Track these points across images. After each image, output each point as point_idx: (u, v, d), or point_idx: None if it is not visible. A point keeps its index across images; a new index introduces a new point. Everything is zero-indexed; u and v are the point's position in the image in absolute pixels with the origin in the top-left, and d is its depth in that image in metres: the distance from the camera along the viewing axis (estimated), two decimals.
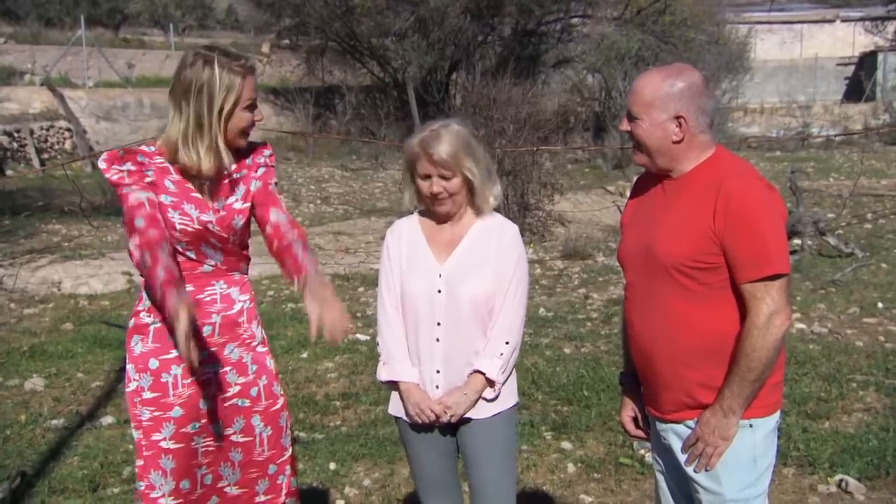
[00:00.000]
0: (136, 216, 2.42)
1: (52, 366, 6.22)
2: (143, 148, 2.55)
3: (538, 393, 5.56)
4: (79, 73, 23.45)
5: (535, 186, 11.93)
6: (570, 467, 4.49)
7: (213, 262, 2.58)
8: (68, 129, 19.56)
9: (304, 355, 6.49)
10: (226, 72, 2.45)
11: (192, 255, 2.55)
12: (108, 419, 5.21)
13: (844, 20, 33.77)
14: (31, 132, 18.54)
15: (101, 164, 2.49)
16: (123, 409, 5.38)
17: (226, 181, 2.61)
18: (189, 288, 2.51)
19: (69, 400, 5.58)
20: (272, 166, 2.75)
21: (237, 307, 2.62)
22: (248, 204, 2.63)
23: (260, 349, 2.72)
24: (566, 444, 4.73)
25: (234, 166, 2.63)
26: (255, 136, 2.70)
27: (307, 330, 7.00)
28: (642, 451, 4.54)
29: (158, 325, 2.55)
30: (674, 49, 21.16)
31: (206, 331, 2.56)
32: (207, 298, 2.57)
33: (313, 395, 5.69)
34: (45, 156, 18.81)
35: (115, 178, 2.47)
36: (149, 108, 21.84)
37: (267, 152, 2.74)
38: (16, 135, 18.08)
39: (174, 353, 2.52)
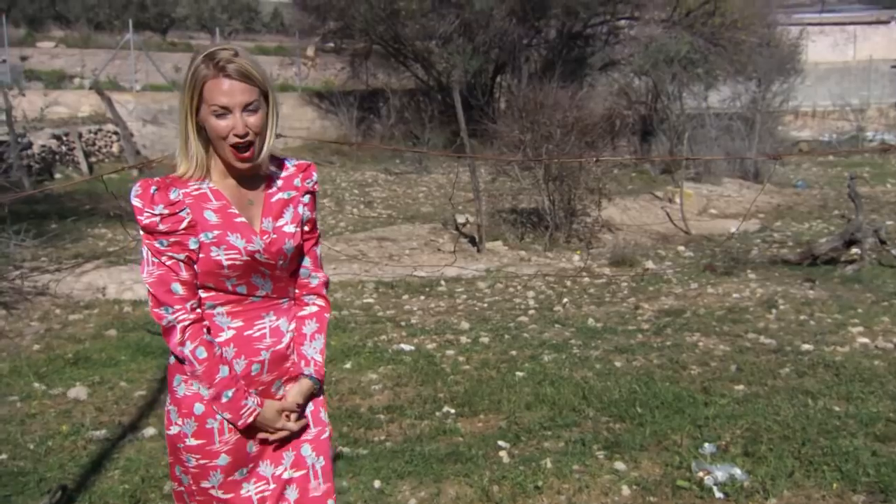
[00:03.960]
0: (169, 304, 2.27)
1: (96, 374, 6.16)
2: (178, 175, 2.32)
3: (589, 409, 5.37)
4: (127, 76, 23.73)
5: (583, 192, 11.73)
6: (625, 490, 4.28)
7: (262, 293, 2.37)
8: (115, 133, 19.76)
9: (348, 365, 6.36)
10: (200, 67, 2.22)
11: (244, 290, 2.34)
12: (150, 430, 5.12)
13: None
14: (80, 136, 18.75)
15: (135, 202, 2.25)
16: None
17: (273, 200, 2.39)
18: (237, 323, 2.34)
19: (112, 410, 5.50)
20: (315, 193, 2.52)
21: (286, 339, 2.42)
22: (299, 229, 2.41)
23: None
24: (620, 465, 4.53)
25: (278, 183, 2.41)
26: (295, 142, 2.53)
27: (350, 339, 6.89)
28: (700, 474, 4.33)
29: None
30: (724, 51, 20.78)
31: (254, 370, 2.37)
32: (256, 334, 2.37)
33: (357, 407, 5.56)
34: (93, 159, 19.04)
35: (146, 222, 2.25)
36: None
37: (315, 176, 2.51)
38: (64, 138, 18.29)
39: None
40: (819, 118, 27.02)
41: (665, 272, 9.66)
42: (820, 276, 9.01)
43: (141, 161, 17.16)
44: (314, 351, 2.46)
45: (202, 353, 2.26)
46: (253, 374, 2.36)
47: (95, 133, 19.55)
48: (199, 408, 2.31)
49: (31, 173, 15.93)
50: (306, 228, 2.45)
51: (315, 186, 2.50)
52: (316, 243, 2.51)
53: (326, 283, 2.55)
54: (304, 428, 2.47)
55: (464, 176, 13.19)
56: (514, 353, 6.61)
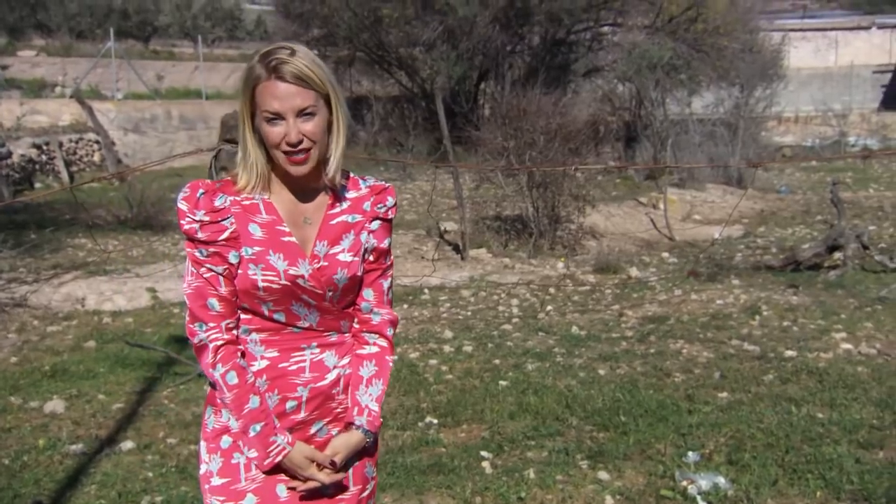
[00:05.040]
0: (202, 322, 2.07)
1: (73, 387, 6.08)
2: (230, 178, 2.10)
3: (572, 418, 5.33)
4: (109, 85, 23.60)
5: (566, 199, 11.70)
6: (609, 500, 4.25)
7: (304, 324, 2.11)
8: (97, 142, 19.64)
9: None
10: (255, 67, 2.00)
11: (282, 318, 2.09)
12: (127, 444, 5.05)
13: (881, 27, 33.20)
14: (60, 145, 18.62)
15: (180, 205, 2.06)
16: (144, 434, 5.24)
17: (333, 222, 2.13)
18: (272, 353, 2.11)
19: (89, 423, 5.42)
20: (391, 220, 2.23)
21: (331, 376, 2.15)
22: (358, 259, 2.14)
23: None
24: (603, 475, 4.50)
25: (344, 204, 2.15)
26: None
27: None
28: (684, 483, 4.30)
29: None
30: (706, 57, 20.84)
31: (289, 406, 2.11)
32: (293, 367, 2.11)
33: None
34: (74, 168, 18.90)
35: (186, 227, 2.05)
36: (177, 120, 21.90)
37: (390, 201, 2.21)
38: (45, 147, 18.15)
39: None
40: (802, 123, 27.18)
41: (649, 279, 9.65)
42: (803, 281, 9.01)
43: (121, 170, 17.05)
44: (370, 398, 2.18)
45: (233, 379, 2.05)
46: (287, 410, 2.12)
47: (76, 142, 19.42)
48: (226, 441, 2.11)
49: (10, 183, 15.79)
50: (371, 258, 2.19)
51: (388, 213, 2.21)
52: (383, 276, 2.22)
53: (393, 323, 2.25)
54: (342, 486, 2.19)
55: (448, 183, 13.16)
56: (497, 361, 6.57)
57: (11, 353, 6.97)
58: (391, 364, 2.24)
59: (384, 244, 2.20)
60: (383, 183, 2.21)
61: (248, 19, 35.79)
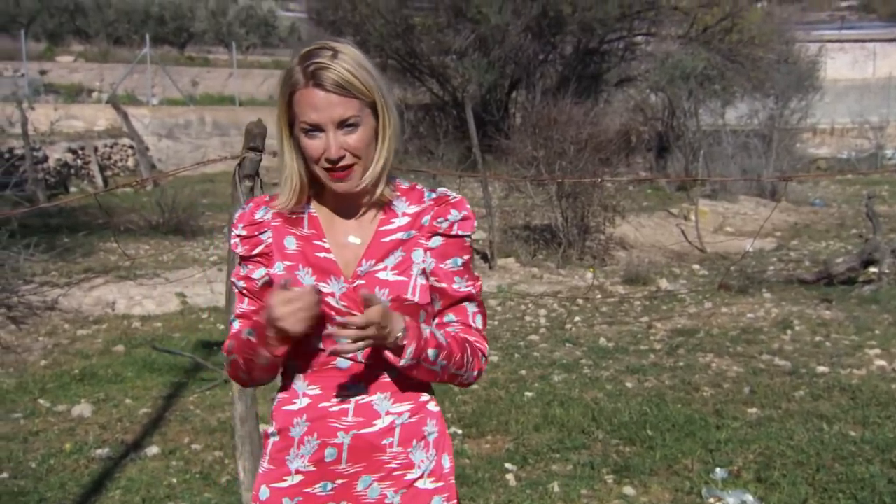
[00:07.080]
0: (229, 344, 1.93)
1: (101, 391, 6.13)
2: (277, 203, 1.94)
3: (598, 431, 5.27)
4: (144, 91, 23.88)
5: (596, 209, 11.63)
6: None
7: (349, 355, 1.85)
8: (131, 147, 19.87)
9: None
10: (294, 71, 1.80)
11: (319, 344, 1.84)
12: (153, 449, 5.07)
13: None
14: (95, 149, 18.86)
15: (235, 220, 1.96)
16: (169, 439, 5.26)
17: (385, 239, 1.88)
18: (313, 391, 1.86)
19: (115, 428, 5.46)
20: (460, 237, 1.91)
21: (381, 423, 1.85)
22: (406, 279, 1.85)
23: (423, 484, 1.90)
24: (629, 490, 4.44)
25: (401, 220, 1.90)
26: None
27: None
28: (711, 500, 4.24)
29: (277, 438, 1.90)
30: (741, 68, 20.65)
31: (328, 454, 1.84)
32: (335, 409, 1.84)
33: None
34: (109, 173, 19.14)
35: (231, 242, 1.94)
36: (210, 126, 22.09)
37: (454, 214, 1.91)
38: (80, 152, 18.40)
39: (288, 482, 1.88)
40: (838, 136, 26.84)
41: (679, 291, 9.55)
42: (836, 296, 8.87)
43: (155, 175, 17.23)
44: (430, 334, 1.82)
45: (232, 346, 1.89)
46: (327, 460, 1.85)
47: (111, 147, 19.67)
48: (264, 492, 1.91)
49: (46, 187, 16.02)
50: (433, 280, 1.89)
51: (453, 228, 1.90)
52: (468, 299, 1.92)
53: (482, 351, 1.95)
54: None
55: (477, 192, 13.14)
56: (523, 372, 6.52)
57: (41, 356, 7.04)
58: (478, 350, 1.92)
59: (449, 265, 1.90)
60: (451, 194, 1.93)
61: (282, 26, 36.05)
